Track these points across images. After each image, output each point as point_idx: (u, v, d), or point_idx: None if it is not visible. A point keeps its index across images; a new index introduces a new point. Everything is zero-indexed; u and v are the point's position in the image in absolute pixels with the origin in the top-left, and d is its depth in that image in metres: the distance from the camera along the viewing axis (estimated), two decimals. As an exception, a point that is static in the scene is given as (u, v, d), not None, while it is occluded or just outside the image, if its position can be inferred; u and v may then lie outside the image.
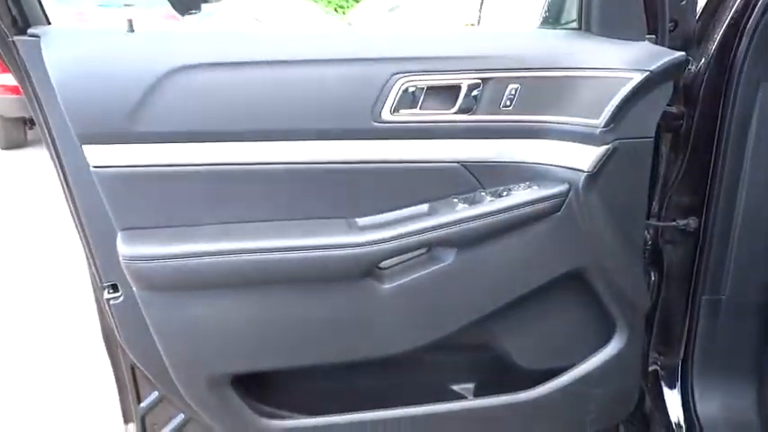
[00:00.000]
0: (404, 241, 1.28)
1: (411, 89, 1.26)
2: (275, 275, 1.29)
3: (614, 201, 1.35)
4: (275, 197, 1.31)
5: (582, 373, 1.48)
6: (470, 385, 1.59)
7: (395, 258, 1.33)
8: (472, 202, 1.32)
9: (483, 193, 1.34)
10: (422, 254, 1.35)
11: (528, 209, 1.30)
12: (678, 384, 1.66)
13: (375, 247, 1.27)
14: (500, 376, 1.54)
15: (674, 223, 1.58)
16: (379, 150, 1.29)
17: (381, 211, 1.33)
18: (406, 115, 1.27)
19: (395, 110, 1.26)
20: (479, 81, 1.27)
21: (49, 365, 2.92)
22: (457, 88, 1.27)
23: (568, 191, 1.31)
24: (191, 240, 1.25)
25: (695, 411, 1.64)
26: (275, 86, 1.23)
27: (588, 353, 1.49)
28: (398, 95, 1.25)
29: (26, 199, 5.59)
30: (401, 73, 1.25)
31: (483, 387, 1.58)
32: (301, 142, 1.26)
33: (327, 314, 1.34)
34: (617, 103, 1.26)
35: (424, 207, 1.34)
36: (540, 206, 1.31)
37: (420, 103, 1.27)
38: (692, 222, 1.56)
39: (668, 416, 1.66)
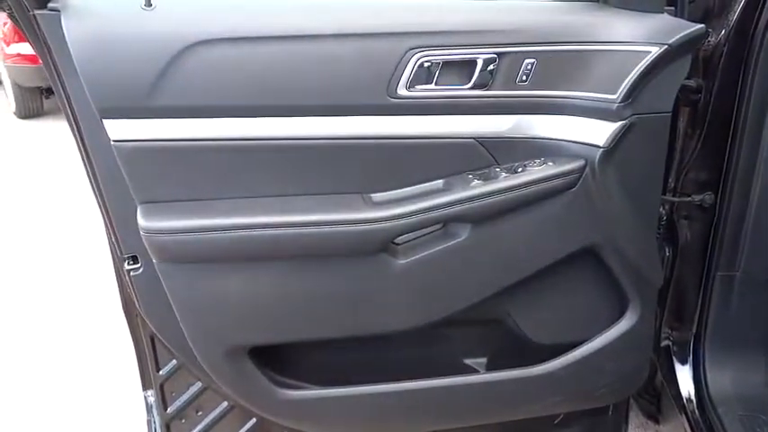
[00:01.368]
0: (419, 217, 1.29)
1: (426, 64, 1.25)
2: (292, 250, 1.30)
3: (630, 177, 1.34)
4: (292, 172, 1.31)
5: (594, 348, 1.49)
6: (483, 359, 1.61)
7: (410, 234, 1.34)
8: (487, 179, 1.32)
9: (498, 169, 1.33)
10: (437, 230, 1.35)
11: (543, 185, 1.30)
12: (690, 359, 1.67)
13: (390, 223, 1.28)
14: (513, 351, 1.56)
15: (689, 199, 1.57)
16: (394, 126, 1.29)
17: (397, 187, 1.34)
18: (421, 91, 1.27)
19: (410, 85, 1.26)
20: (495, 56, 1.26)
21: (69, 332, 2.99)
22: (473, 63, 1.27)
23: (584, 167, 1.31)
24: (209, 214, 1.27)
25: (706, 386, 1.65)
26: (292, 61, 1.23)
27: (601, 328, 1.50)
28: (414, 71, 1.25)
29: (44, 168, 5.65)
30: (417, 48, 1.24)
31: (495, 361, 1.60)
32: (318, 118, 1.26)
33: (343, 288, 1.36)
34: (634, 78, 1.24)
35: (440, 183, 1.35)
36: (556, 182, 1.31)
37: (435, 78, 1.26)
38: (707, 198, 1.55)
39: (679, 390, 1.67)
